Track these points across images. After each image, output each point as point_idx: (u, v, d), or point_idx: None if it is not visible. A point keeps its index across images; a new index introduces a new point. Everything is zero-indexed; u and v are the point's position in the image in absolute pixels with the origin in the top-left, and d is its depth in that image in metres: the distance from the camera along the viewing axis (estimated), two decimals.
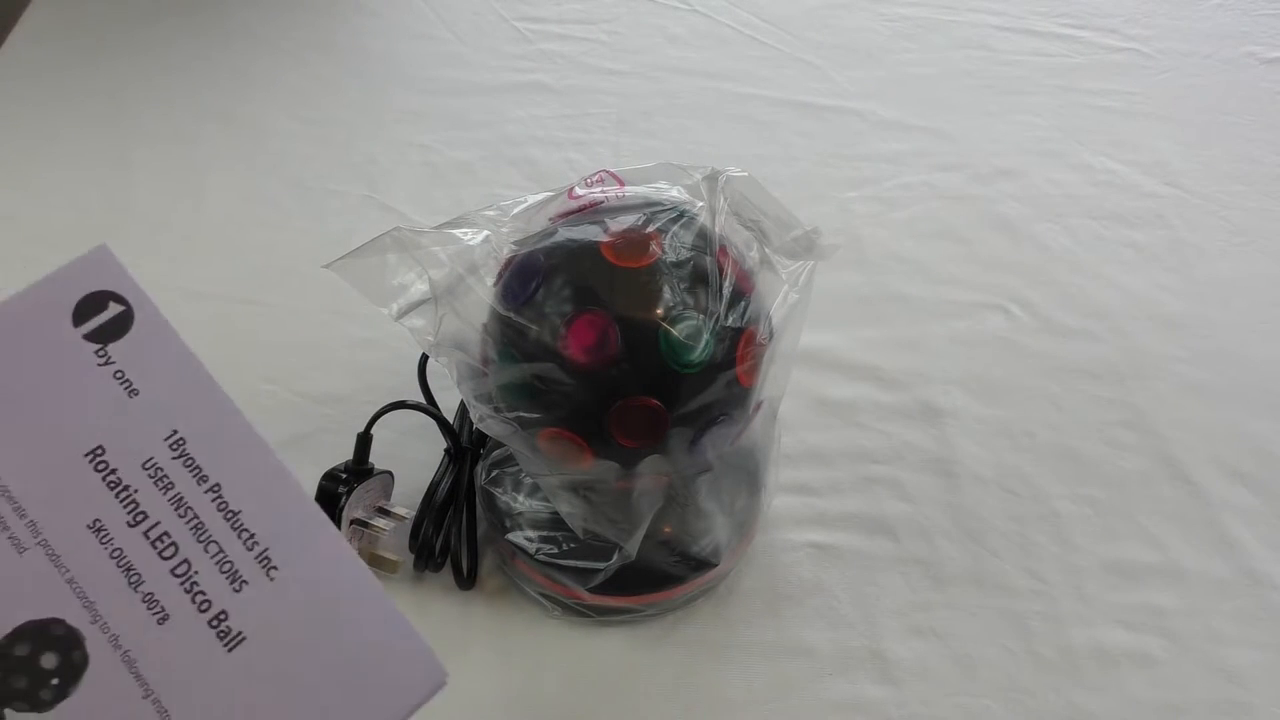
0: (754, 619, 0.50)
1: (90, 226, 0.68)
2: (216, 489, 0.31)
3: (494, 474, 0.50)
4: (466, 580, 0.49)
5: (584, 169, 0.70)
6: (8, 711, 0.28)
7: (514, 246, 0.43)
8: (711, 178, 0.44)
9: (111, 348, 0.33)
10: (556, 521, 0.46)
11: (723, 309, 0.41)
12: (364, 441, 0.50)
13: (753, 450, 0.49)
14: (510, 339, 0.42)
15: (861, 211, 0.71)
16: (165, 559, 0.30)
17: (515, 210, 0.45)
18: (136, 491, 0.31)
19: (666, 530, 0.48)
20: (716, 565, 0.48)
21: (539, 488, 0.48)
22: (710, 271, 0.41)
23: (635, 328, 0.40)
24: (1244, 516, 0.54)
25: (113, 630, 0.29)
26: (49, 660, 0.28)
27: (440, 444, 0.52)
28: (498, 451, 0.51)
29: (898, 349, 0.62)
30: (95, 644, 0.29)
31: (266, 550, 0.30)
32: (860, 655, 0.49)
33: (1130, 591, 0.51)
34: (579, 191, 0.44)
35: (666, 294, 0.40)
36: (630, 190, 0.44)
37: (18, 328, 0.33)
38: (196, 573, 0.30)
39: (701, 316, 0.40)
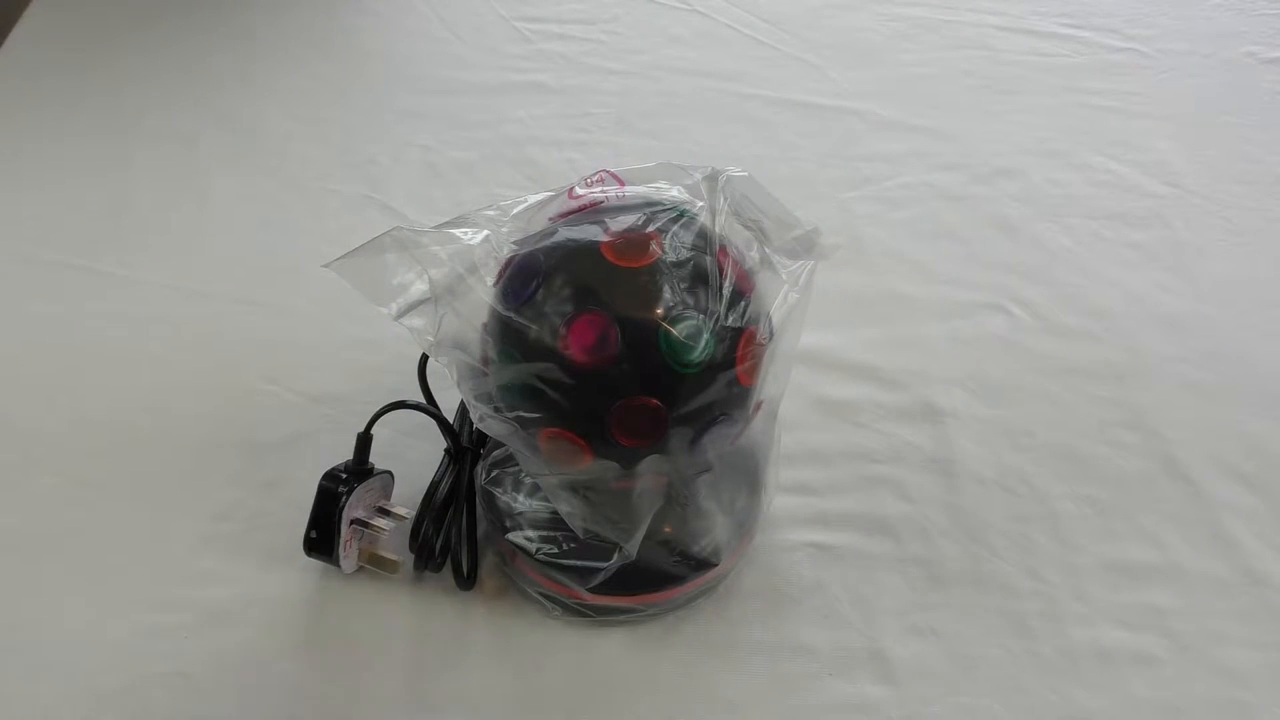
0: (754, 619, 0.50)
1: (90, 226, 0.69)
2: None
3: (494, 474, 0.50)
4: (466, 580, 0.49)
5: (584, 169, 0.69)
6: None
7: (514, 246, 0.43)
8: (711, 178, 0.44)
9: None
10: (556, 521, 0.46)
11: (723, 309, 0.41)
12: (364, 441, 0.50)
13: (753, 450, 0.49)
14: (510, 339, 0.42)
15: (861, 211, 0.71)
16: None
17: (515, 210, 0.45)
18: None
19: (666, 530, 0.48)
20: (716, 565, 0.48)
21: (539, 488, 0.48)
22: (710, 271, 0.41)
23: (635, 328, 0.40)
24: (1244, 516, 0.54)
25: None
26: None
27: (440, 444, 0.52)
28: (498, 451, 0.51)
29: (898, 349, 0.62)
30: None
31: None
32: (860, 655, 0.49)
33: (1130, 591, 0.51)
34: (579, 191, 0.44)
35: (666, 294, 0.40)
36: (630, 190, 0.44)
37: None
38: None
39: (701, 316, 0.40)
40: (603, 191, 0.44)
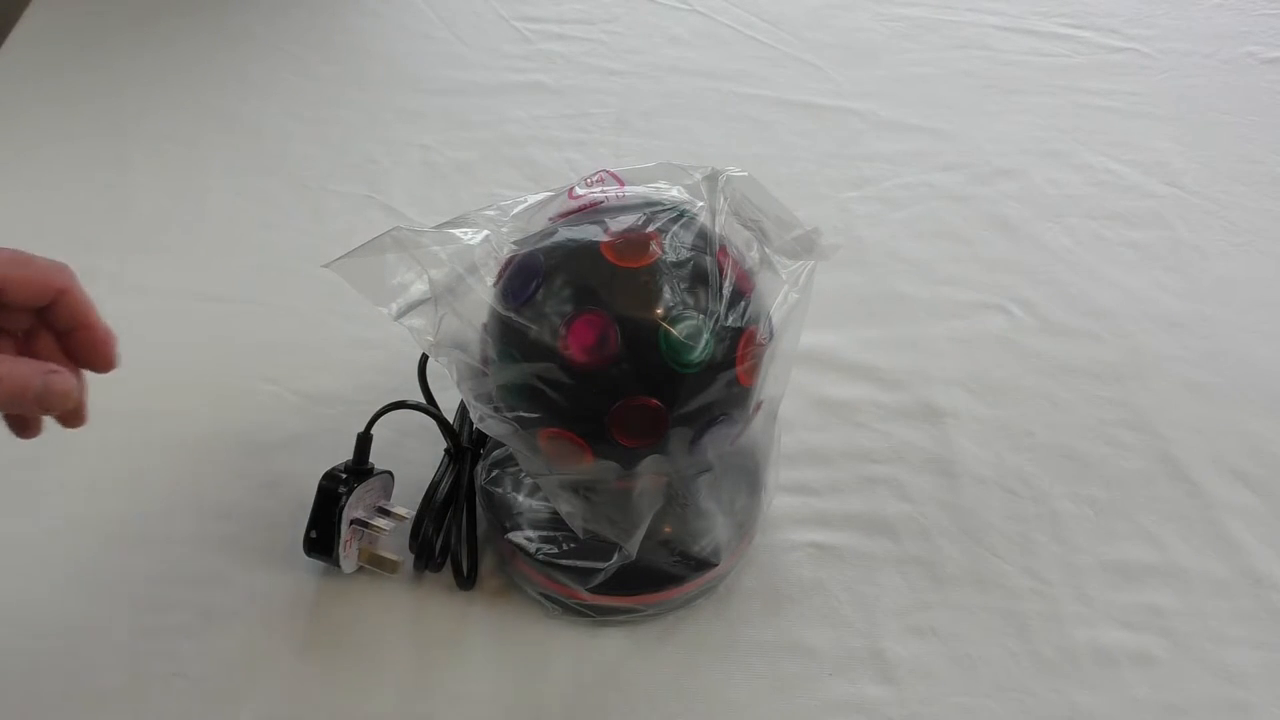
0: (754, 619, 0.50)
1: (90, 226, 0.68)
2: None
3: (494, 474, 0.50)
4: (466, 580, 0.49)
5: (584, 169, 0.69)
6: None
7: (514, 246, 0.43)
8: (711, 178, 0.44)
9: None
10: (556, 521, 0.46)
11: (723, 309, 0.41)
12: (364, 441, 0.50)
13: (753, 450, 0.49)
14: (510, 339, 0.42)
15: (861, 211, 0.71)
16: None
17: (515, 210, 0.45)
18: None
19: (666, 530, 0.48)
20: (716, 565, 0.48)
21: (539, 488, 0.48)
22: (710, 271, 0.41)
23: (635, 327, 0.40)
24: (1244, 516, 0.54)
25: None
26: None
27: (440, 444, 0.52)
28: (498, 451, 0.51)
29: (898, 349, 0.62)
30: None
31: None
32: (860, 655, 0.49)
33: (1130, 591, 0.51)
34: (579, 191, 0.44)
35: (666, 294, 0.40)
36: (630, 190, 0.44)
37: None
38: None
39: (701, 316, 0.40)
40: (603, 191, 0.44)
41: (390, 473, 0.51)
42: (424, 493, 0.51)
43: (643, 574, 0.47)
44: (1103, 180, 0.74)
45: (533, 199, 0.45)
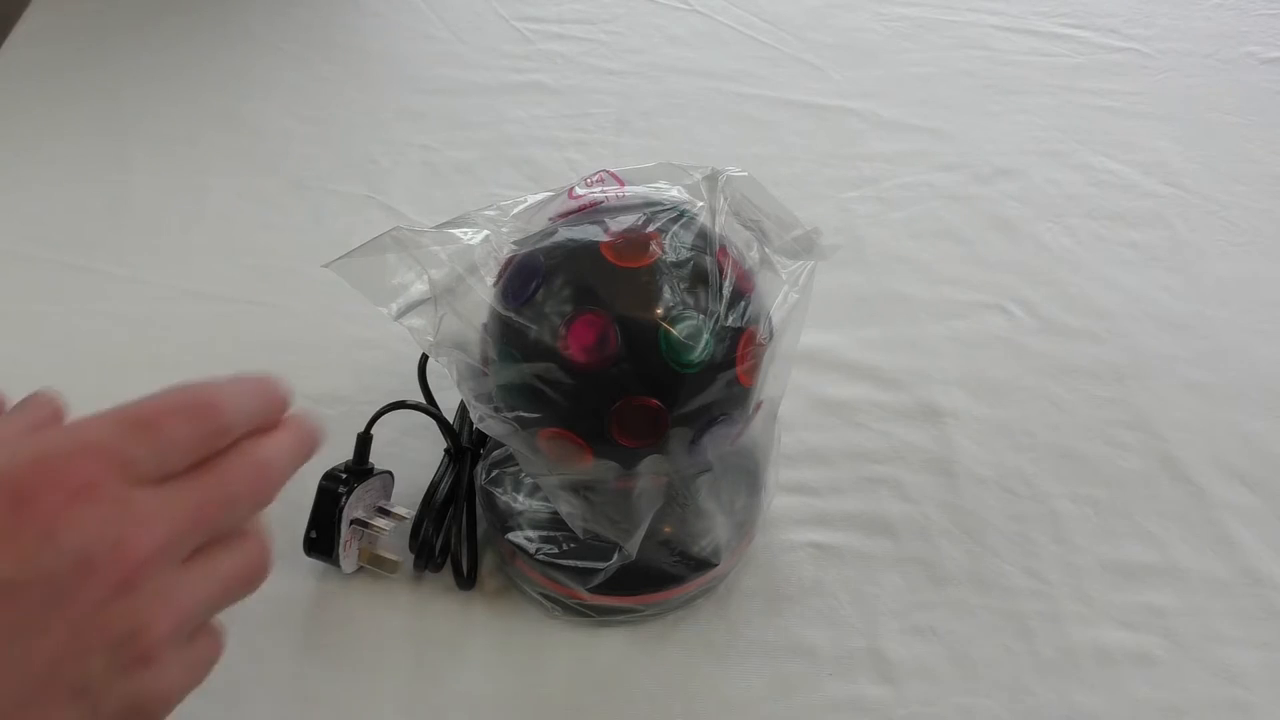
0: (754, 619, 0.50)
1: (90, 226, 0.68)
2: None
3: (494, 474, 0.50)
4: (466, 580, 0.49)
5: (584, 169, 0.69)
6: None
7: (514, 246, 0.43)
8: (711, 178, 0.44)
9: None
10: (556, 521, 0.46)
11: (723, 309, 0.41)
12: (364, 441, 0.50)
13: (753, 450, 0.49)
14: (510, 339, 0.42)
15: (861, 211, 0.71)
16: None
17: (515, 210, 0.45)
18: None
19: (666, 530, 0.48)
20: (716, 565, 0.48)
21: (539, 488, 0.48)
22: (710, 271, 0.41)
23: (635, 327, 0.40)
24: (1244, 516, 0.54)
25: None
26: None
27: (440, 444, 0.52)
28: (498, 451, 0.51)
29: (898, 349, 0.62)
30: None
31: None
32: (860, 655, 0.49)
33: (1130, 591, 0.51)
34: (579, 191, 0.44)
35: (666, 294, 0.40)
36: (630, 190, 0.44)
37: None
38: None
39: (701, 316, 0.40)
40: (603, 191, 0.44)
41: (390, 473, 0.51)
42: (424, 493, 0.51)
43: (643, 574, 0.47)
44: (1103, 180, 0.74)
45: (533, 199, 0.45)
